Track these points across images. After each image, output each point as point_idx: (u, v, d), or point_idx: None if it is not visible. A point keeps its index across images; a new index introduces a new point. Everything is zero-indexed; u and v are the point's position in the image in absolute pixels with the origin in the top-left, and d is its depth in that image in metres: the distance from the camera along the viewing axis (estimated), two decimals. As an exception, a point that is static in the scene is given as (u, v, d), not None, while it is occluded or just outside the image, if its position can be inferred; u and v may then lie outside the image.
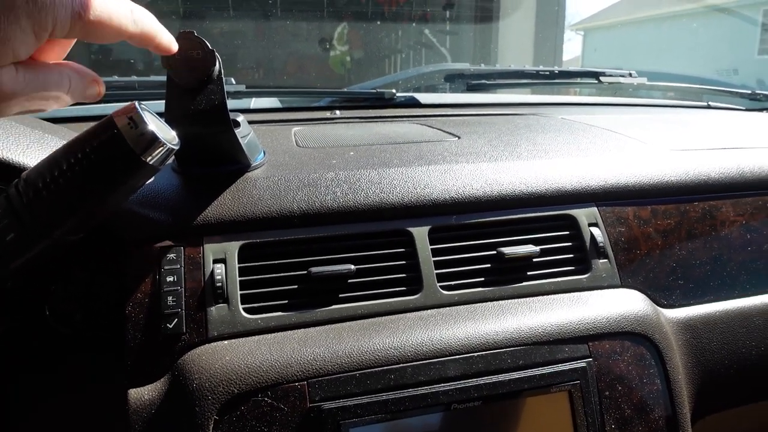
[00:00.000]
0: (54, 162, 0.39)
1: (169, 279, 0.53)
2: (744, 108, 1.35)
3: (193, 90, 0.49)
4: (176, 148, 0.42)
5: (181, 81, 0.47)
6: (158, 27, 0.41)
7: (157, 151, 0.40)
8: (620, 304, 0.60)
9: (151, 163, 0.39)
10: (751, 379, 0.66)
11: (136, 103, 0.39)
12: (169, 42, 0.43)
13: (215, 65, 0.48)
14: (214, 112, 0.49)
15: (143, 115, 0.39)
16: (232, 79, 1.07)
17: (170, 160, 0.60)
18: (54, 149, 0.41)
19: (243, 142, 0.57)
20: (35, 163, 0.41)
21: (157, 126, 0.40)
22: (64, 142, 0.40)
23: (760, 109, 1.32)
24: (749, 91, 1.35)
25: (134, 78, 1.05)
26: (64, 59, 0.41)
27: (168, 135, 0.41)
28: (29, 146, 0.50)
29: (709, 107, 1.33)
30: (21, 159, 0.49)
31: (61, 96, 0.38)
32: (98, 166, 0.38)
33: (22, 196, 0.39)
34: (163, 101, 0.49)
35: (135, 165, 0.39)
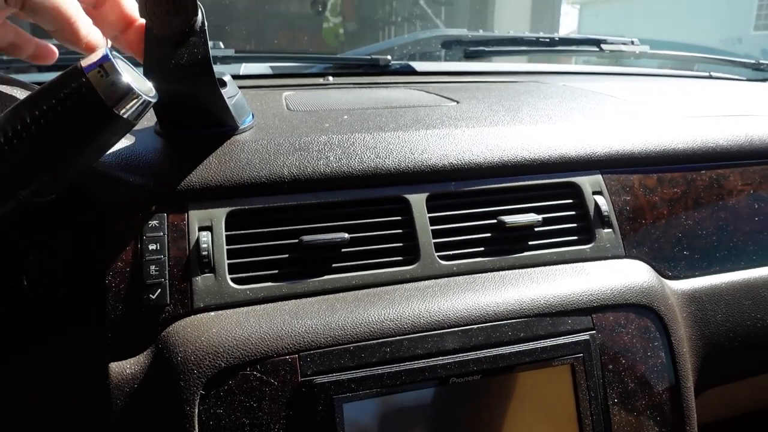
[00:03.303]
0: (15, 114, 0.35)
1: (152, 247, 0.50)
2: (746, 78, 1.32)
3: (174, 42, 0.45)
4: (153, 100, 0.38)
5: (161, 31, 0.44)
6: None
7: (132, 104, 0.36)
8: (624, 275, 0.57)
9: (124, 116, 0.36)
10: (756, 351, 0.65)
11: (107, 49, 0.35)
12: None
13: (197, 15, 0.44)
14: (197, 66, 0.45)
15: (115, 63, 0.35)
16: (221, 44, 1.02)
17: (153, 122, 0.57)
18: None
19: (230, 103, 0.54)
20: None
21: (131, 76, 0.36)
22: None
23: (763, 80, 1.30)
24: (753, 61, 1.32)
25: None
26: None
27: (144, 86, 0.38)
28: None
29: (711, 77, 1.29)
30: None
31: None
32: (65, 119, 0.35)
33: (-18, 153, 0.35)
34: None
35: (106, 118, 0.36)
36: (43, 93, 0.35)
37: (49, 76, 0.83)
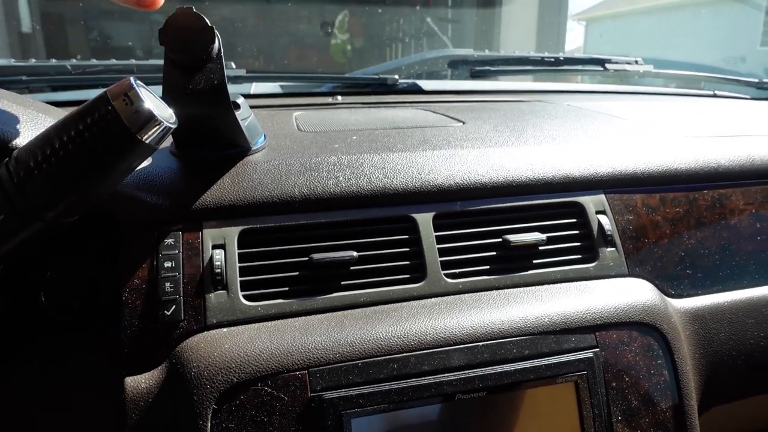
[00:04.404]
0: (46, 140, 0.37)
1: (167, 264, 0.51)
2: (749, 97, 1.33)
3: (191, 69, 0.47)
4: (174, 126, 0.40)
5: (179, 59, 0.46)
6: None
7: (154, 130, 0.38)
8: (628, 293, 0.58)
9: (147, 142, 0.38)
10: (759, 370, 0.65)
11: (132, 79, 0.37)
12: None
13: (215, 43, 0.46)
14: (214, 91, 0.47)
15: (139, 92, 0.37)
16: (233, 64, 1.05)
17: (169, 143, 0.59)
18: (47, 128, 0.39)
19: (243, 124, 0.56)
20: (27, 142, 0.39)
21: (153, 103, 0.38)
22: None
23: (767, 98, 1.31)
24: (756, 80, 1.33)
25: (133, 61, 1.03)
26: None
27: (165, 113, 0.40)
28: (21, 124, 0.48)
29: (715, 96, 1.31)
30: (12, 137, 0.47)
31: None
32: (92, 144, 0.37)
33: (13, 176, 0.37)
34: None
35: (130, 144, 0.37)
36: (72, 120, 0.37)
37: (64, 96, 0.86)
